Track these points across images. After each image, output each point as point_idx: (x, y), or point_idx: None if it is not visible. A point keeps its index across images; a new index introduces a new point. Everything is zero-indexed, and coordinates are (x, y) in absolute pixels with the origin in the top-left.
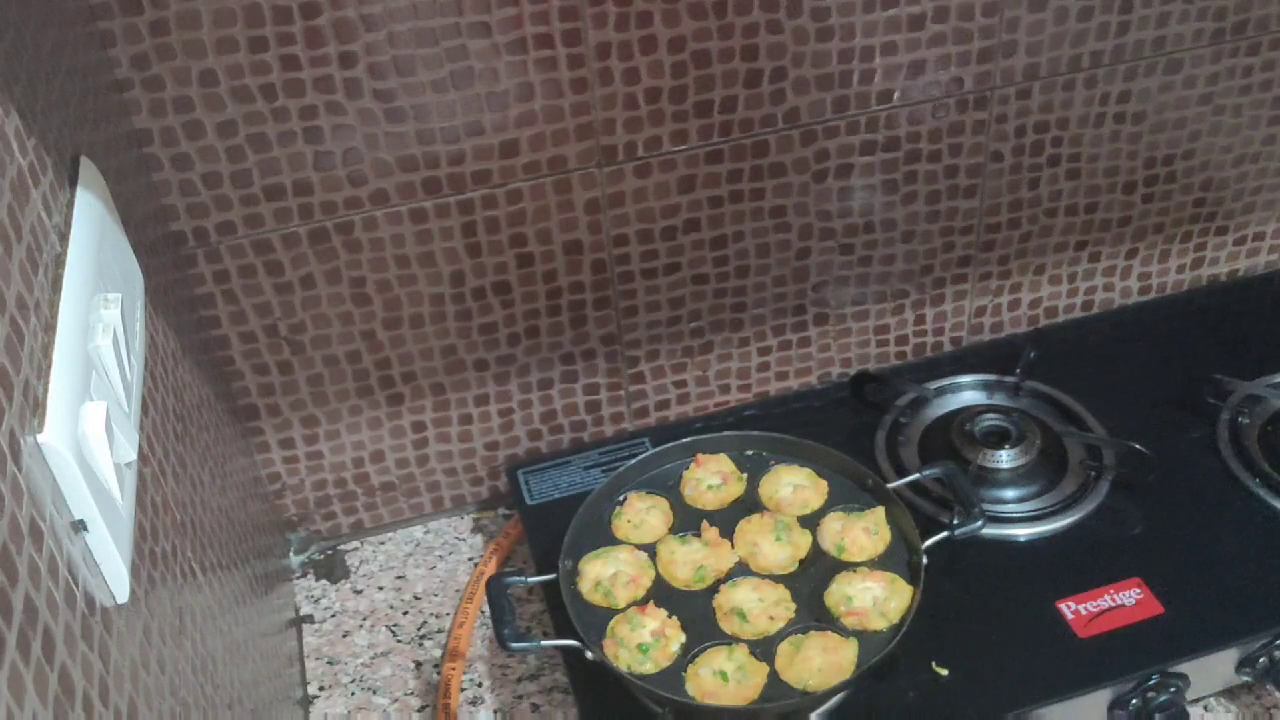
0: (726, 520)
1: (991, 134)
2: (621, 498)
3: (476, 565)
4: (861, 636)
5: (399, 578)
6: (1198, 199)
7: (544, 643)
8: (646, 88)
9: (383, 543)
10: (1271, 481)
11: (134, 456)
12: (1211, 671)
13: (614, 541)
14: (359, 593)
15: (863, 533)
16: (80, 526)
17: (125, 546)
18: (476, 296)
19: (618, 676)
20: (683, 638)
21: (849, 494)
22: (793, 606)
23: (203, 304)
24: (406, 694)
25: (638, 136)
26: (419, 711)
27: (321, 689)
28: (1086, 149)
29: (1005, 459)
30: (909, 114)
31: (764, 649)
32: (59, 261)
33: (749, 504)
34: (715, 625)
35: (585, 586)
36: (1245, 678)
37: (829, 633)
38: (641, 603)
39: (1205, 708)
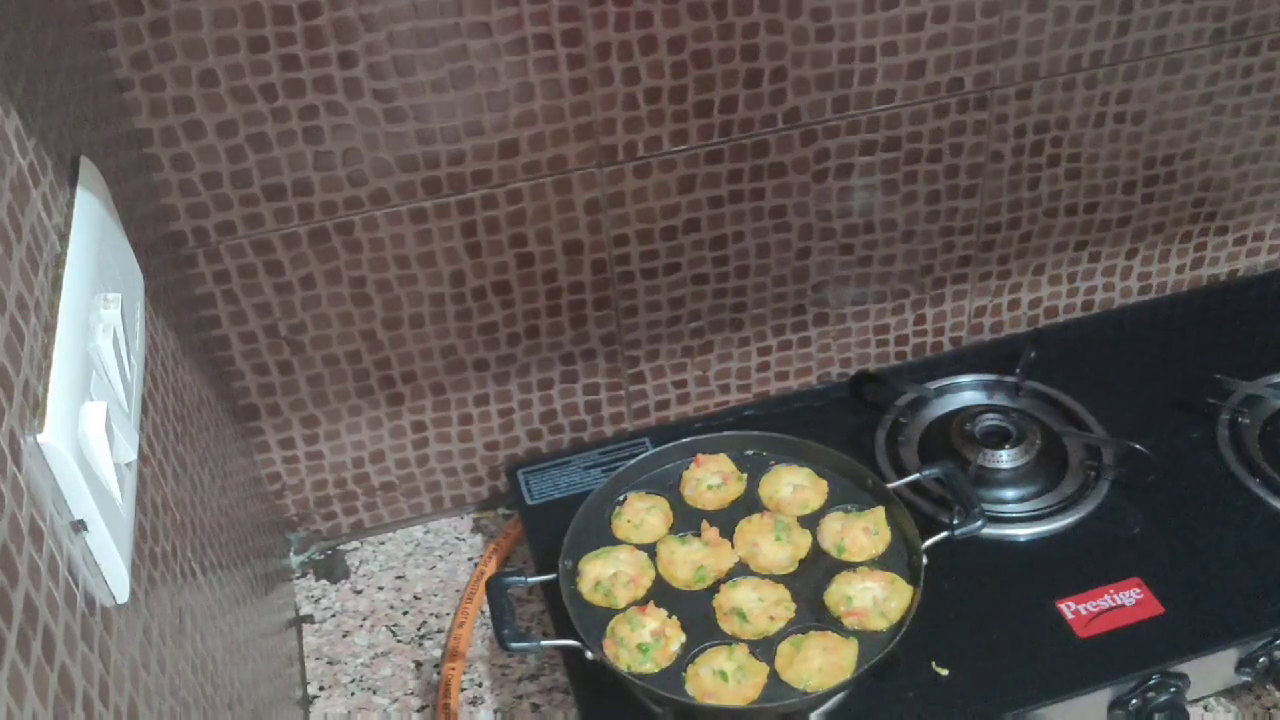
0: (726, 520)
1: (991, 134)
2: (621, 498)
3: (476, 565)
4: (861, 636)
5: (399, 578)
6: (1198, 199)
7: (544, 643)
8: (646, 88)
9: (383, 543)
10: (1271, 481)
11: (134, 456)
12: (1211, 671)
13: (614, 541)
14: (359, 593)
15: (863, 533)
16: (80, 526)
17: (125, 546)
18: (476, 296)
19: (618, 676)
20: (683, 638)
21: (849, 494)
22: (793, 606)
23: (203, 304)
24: (406, 694)
25: (638, 136)
26: (419, 711)
27: (321, 689)
28: (1086, 149)
29: (1005, 459)
30: (909, 114)
31: (764, 649)
32: (59, 261)
33: (749, 504)
34: (715, 625)
35: (585, 586)
36: (1245, 678)
37: (829, 633)
38: (641, 603)
39: (1205, 708)
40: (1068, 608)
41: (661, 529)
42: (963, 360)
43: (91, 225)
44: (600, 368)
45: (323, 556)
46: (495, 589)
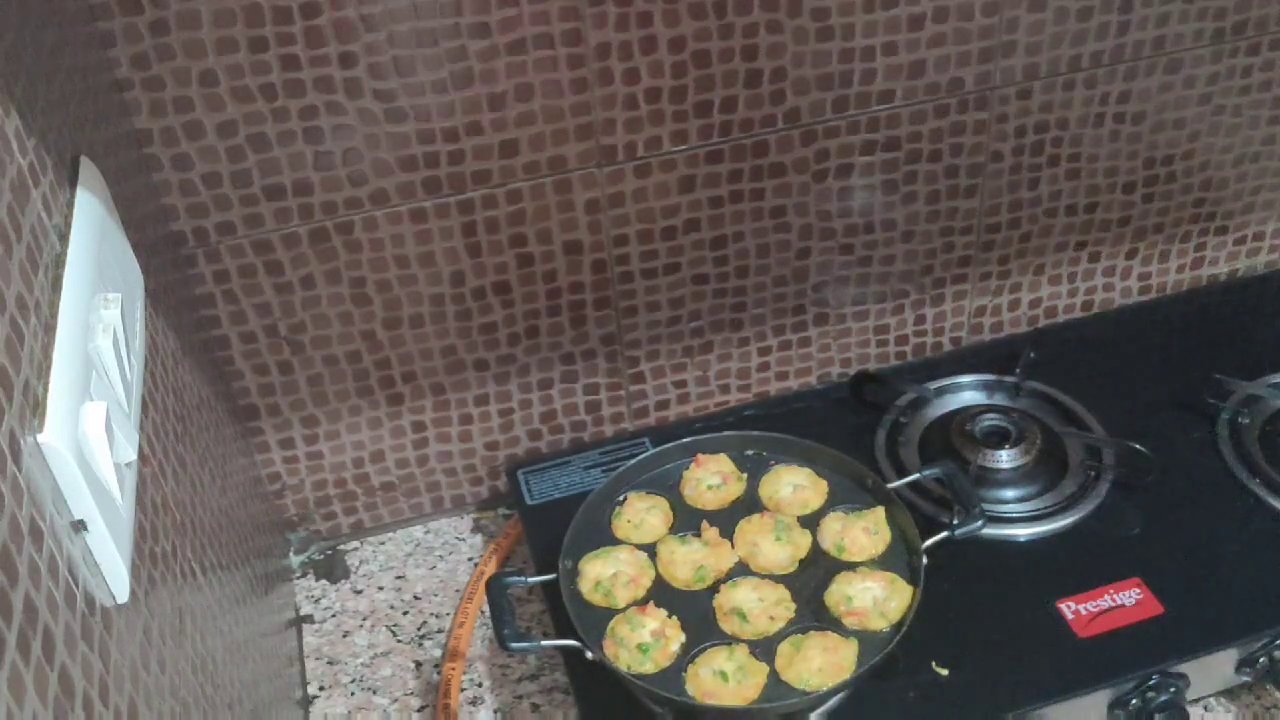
0: (726, 520)
1: (991, 134)
2: (621, 498)
3: (476, 565)
4: (861, 636)
5: (399, 578)
6: (1198, 199)
7: (544, 643)
8: (646, 88)
9: (383, 543)
10: (1271, 481)
11: (134, 456)
12: (1211, 671)
13: (614, 541)
14: (359, 593)
15: (863, 533)
16: (80, 526)
17: (125, 546)
18: (476, 296)
19: (618, 676)
20: (683, 638)
21: (849, 494)
22: (793, 606)
23: (203, 304)
24: (406, 694)
25: (638, 136)
26: (419, 711)
27: (321, 689)
28: (1086, 149)
29: (1005, 459)
30: (909, 114)
31: (764, 649)
32: (59, 261)
33: (749, 504)
34: (715, 625)
35: (585, 586)
36: (1245, 678)
37: (829, 633)
38: (641, 603)
39: (1205, 708)
40: (1068, 608)
41: (661, 529)
42: (963, 360)
43: (91, 225)
44: (600, 368)
45: (323, 556)
46: (495, 589)
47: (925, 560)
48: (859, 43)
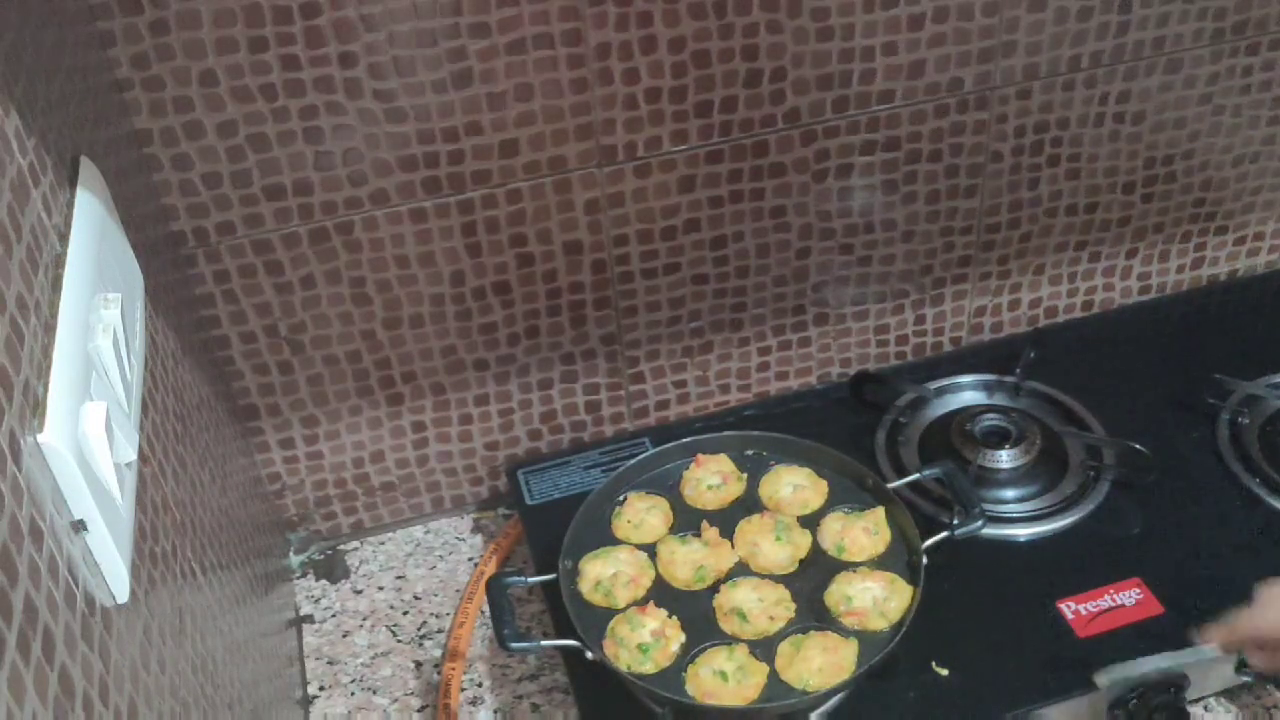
0: (726, 520)
1: (991, 134)
2: (621, 498)
3: (476, 565)
4: (861, 636)
5: (399, 578)
6: (1198, 199)
7: (544, 643)
8: (646, 88)
9: (383, 543)
10: (1271, 481)
11: (134, 456)
12: (1211, 671)
13: (614, 541)
14: (359, 593)
15: (863, 533)
16: (80, 526)
17: (125, 546)
18: (476, 296)
19: (618, 676)
20: (683, 638)
21: (849, 494)
22: (793, 606)
23: (203, 304)
24: (406, 694)
25: (638, 136)
26: (419, 711)
27: (321, 689)
28: (1086, 149)
29: (1005, 459)
30: (909, 114)
31: (764, 649)
32: (59, 261)
33: (749, 504)
34: (715, 625)
35: (585, 586)
36: (1245, 678)
37: (829, 633)
38: (641, 603)
39: (1205, 708)
40: (1068, 608)
41: (661, 529)
42: (963, 360)
43: (91, 225)
44: (600, 368)
45: (323, 556)
46: (495, 589)
47: (925, 560)
48: (859, 43)
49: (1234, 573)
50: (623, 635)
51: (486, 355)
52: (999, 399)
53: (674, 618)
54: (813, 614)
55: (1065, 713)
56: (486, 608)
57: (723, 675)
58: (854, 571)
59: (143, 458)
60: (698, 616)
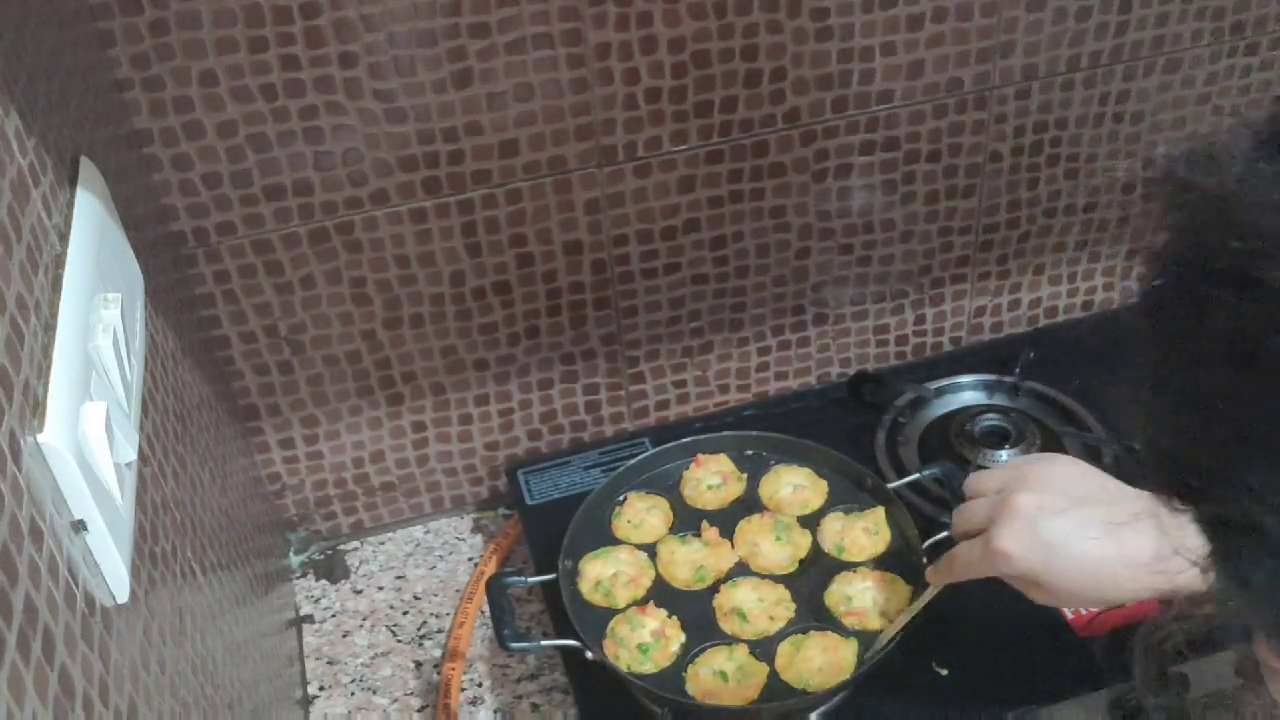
0: (726, 520)
1: (991, 134)
2: (621, 498)
3: (476, 565)
4: (861, 636)
5: (399, 578)
6: None
7: (544, 643)
8: (646, 88)
9: (383, 543)
10: None
11: (134, 456)
12: (1211, 672)
13: (614, 541)
14: (359, 593)
15: (863, 533)
16: (80, 526)
17: (125, 546)
18: (476, 296)
19: (618, 676)
20: (683, 638)
21: (849, 494)
22: (793, 606)
23: (203, 304)
24: (406, 694)
25: (638, 136)
26: (419, 711)
27: (321, 689)
28: (1086, 149)
29: (1005, 459)
30: (908, 114)
31: (764, 649)
32: (59, 261)
33: (749, 504)
34: (715, 625)
35: (585, 586)
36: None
37: (829, 633)
38: (641, 603)
39: (1205, 708)
40: (1080, 609)
41: (661, 529)
42: (962, 360)
43: (91, 225)
44: (600, 368)
45: (323, 556)
46: (495, 589)
47: (925, 560)
48: (858, 43)
49: None
50: (623, 635)
51: (486, 355)
52: (998, 399)
53: (674, 618)
54: (813, 614)
55: (1065, 713)
56: (486, 608)
57: (723, 675)
58: (854, 571)
59: (143, 458)
60: (698, 616)
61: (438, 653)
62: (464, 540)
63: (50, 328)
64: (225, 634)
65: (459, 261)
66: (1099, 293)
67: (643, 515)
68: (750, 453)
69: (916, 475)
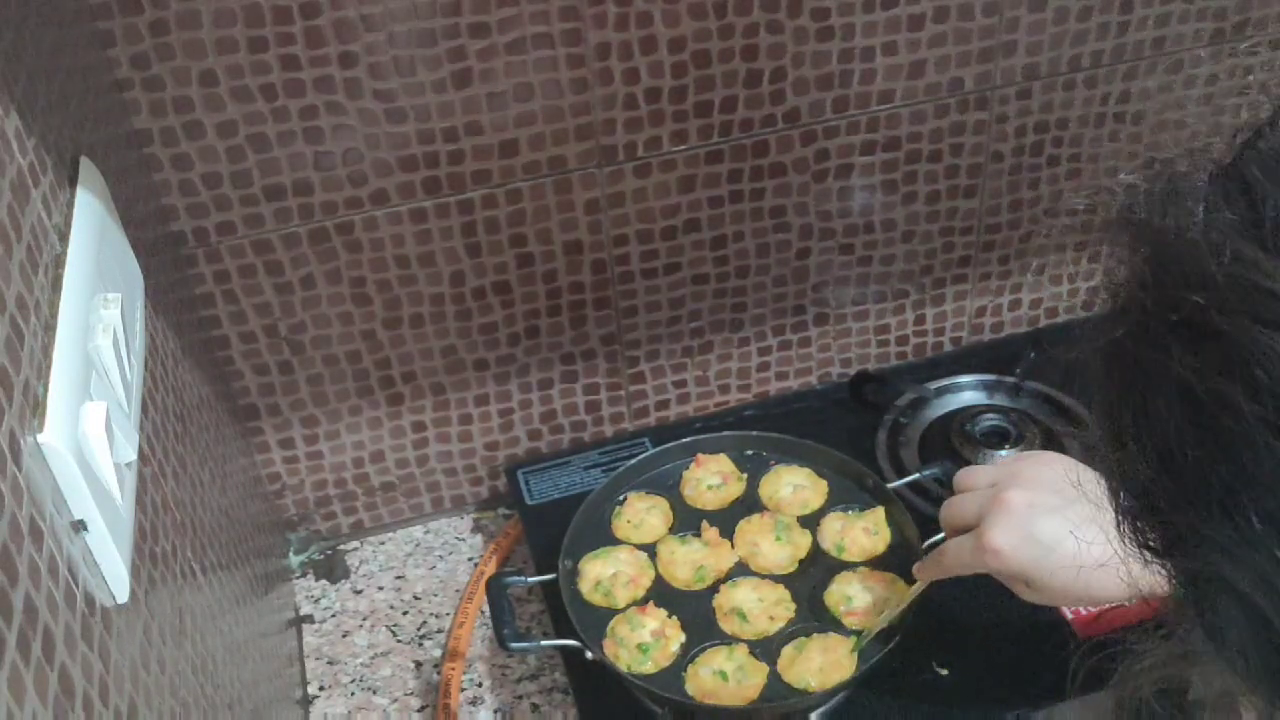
0: (726, 520)
1: (991, 134)
2: (621, 498)
3: (476, 565)
4: (861, 636)
5: (399, 578)
6: None
7: (544, 643)
8: (646, 88)
9: (383, 543)
10: None
11: (134, 456)
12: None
13: (614, 541)
14: (359, 593)
15: (863, 533)
16: (80, 526)
17: (125, 546)
18: (476, 296)
19: (618, 676)
20: (683, 638)
21: (849, 494)
22: (793, 606)
23: (203, 304)
24: (406, 694)
25: (638, 136)
26: (419, 711)
27: (321, 689)
28: (1086, 149)
29: (1005, 459)
30: (909, 114)
31: (764, 649)
32: (59, 261)
33: (749, 504)
34: (715, 625)
35: (585, 586)
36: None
37: (829, 633)
38: (641, 603)
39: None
40: (1068, 608)
41: (661, 529)
42: (963, 360)
43: (91, 225)
44: (600, 368)
45: (323, 556)
46: (495, 589)
47: None
48: (859, 43)
49: None
50: (623, 635)
51: (486, 355)
52: (999, 399)
53: (674, 618)
54: (813, 614)
55: (1065, 713)
56: (486, 608)
57: (723, 675)
58: (854, 571)
59: (143, 458)
60: (698, 616)
61: (438, 653)
62: (464, 540)
63: (50, 328)
64: (225, 634)
65: (459, 261)
66: (1099, 293)
67: (643, 515)
68: (750, 453)
69: (917, 475)
